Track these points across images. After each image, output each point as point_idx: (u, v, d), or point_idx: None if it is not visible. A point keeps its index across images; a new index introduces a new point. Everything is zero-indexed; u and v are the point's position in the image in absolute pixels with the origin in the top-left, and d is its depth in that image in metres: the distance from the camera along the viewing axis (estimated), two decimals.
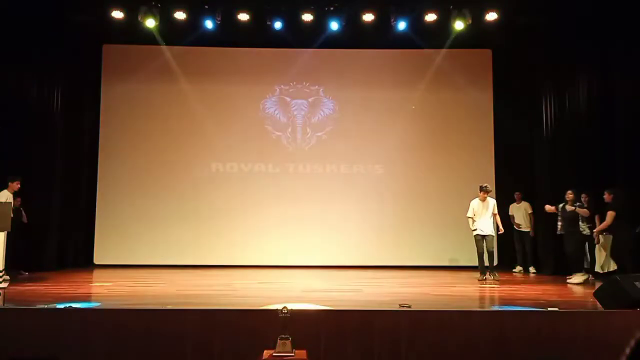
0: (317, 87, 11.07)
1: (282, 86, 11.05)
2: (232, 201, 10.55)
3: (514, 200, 10.11)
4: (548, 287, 7.85)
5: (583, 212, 8.24)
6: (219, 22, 9.68)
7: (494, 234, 8.62)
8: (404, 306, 5.26)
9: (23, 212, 8.84)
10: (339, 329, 4.41)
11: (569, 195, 8.42)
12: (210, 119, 10.86)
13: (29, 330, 4.39)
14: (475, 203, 8.58)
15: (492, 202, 8.61)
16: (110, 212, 10.56)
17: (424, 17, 9.68)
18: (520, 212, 10.05)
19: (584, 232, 8.49)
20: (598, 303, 5.22)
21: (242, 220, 10.50)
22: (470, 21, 9.52)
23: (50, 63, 9.75)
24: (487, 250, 8.50)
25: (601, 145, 9.31)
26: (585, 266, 8.83)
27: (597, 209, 8.55)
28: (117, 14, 9.50)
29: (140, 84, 10.83)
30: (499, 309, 5.96)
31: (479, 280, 8.36)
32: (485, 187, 8.64)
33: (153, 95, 10.85)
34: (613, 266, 8.40)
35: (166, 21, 9.71)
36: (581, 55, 9.50)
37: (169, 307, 5.17)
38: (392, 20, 9.70)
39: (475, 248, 8.54)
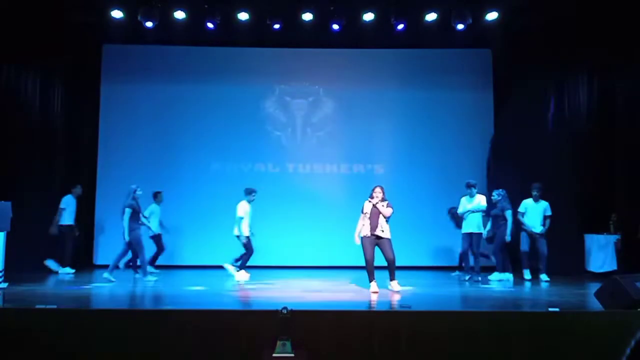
0: (317, 87, 11.07)
1: (282, 86, 11.05)
2: (232, 201, 10.51)
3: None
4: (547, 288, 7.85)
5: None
6: (218, 22, 9.67)
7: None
8: (404, 306, 5.26)
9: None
10: (339, 329, 4.41)
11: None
12: (210, 119, 10.86)
13: (29, 330, 4.38)
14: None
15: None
16: (110, 212, 10.53)
17: (424, 17, 9.68)
18: None
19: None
20: (598, 303, 5.22)
21: None
22: (470, 21, 9.51)
23: (50, 63, 9.75)
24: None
25: (601, 145, 9.31)
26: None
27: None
28: (117, 14, 9.50)
29: (140, 84, 10.84)
30: (499, 309, 5.96)
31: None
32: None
33: (153, 95, 10.85)
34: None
35: (166, 21, 9.70)
36: (581, 55, 9.50)
37: (169, 307, 5.16)
38: (392, 20, 9.69)
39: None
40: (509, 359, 4.44)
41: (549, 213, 8.66)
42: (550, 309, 5.04)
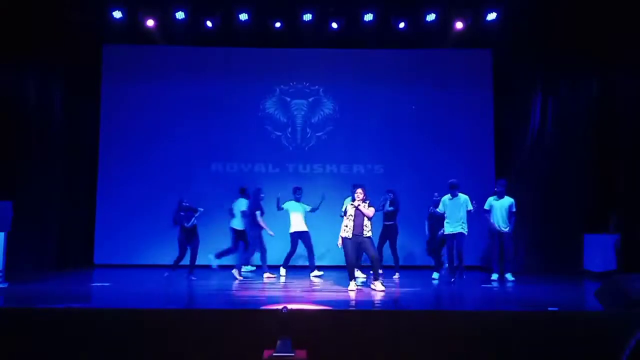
0: (317, 87, 11.07)
1: (282, 86, 11.05)
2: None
3: None
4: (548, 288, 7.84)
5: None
6: (219, 22, 9.68)
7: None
8: (405, 306, 5.25)
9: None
10: (339, 329, 4.41)
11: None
12: (210, 119, 10.86)
13: (29, 330, 4.39)
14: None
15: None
16: (111, 212, 10.55)
17: (424, 17, 9.69)
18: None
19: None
20: (598, 303, 5.22)
21: None
22: (470, 21, 9.52)
23: (51, 63, 9.75)
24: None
25: (601, 145, 9.31)
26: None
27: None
28: (117, 14, 9.50)
29: (141, 84, 10.83)
30: (499, 309, 5.96)
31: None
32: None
33: (153, 95, 10.84)
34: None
35: (166, 21, 9.70)
36: (581, 55, 9.50)
37: (169, 307, 5.17)
38: (392, 19, 9.69)
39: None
40: (509, 358, 4.45)
41: (514, 210, 8.55)
42: (549, 309, 5.05)
